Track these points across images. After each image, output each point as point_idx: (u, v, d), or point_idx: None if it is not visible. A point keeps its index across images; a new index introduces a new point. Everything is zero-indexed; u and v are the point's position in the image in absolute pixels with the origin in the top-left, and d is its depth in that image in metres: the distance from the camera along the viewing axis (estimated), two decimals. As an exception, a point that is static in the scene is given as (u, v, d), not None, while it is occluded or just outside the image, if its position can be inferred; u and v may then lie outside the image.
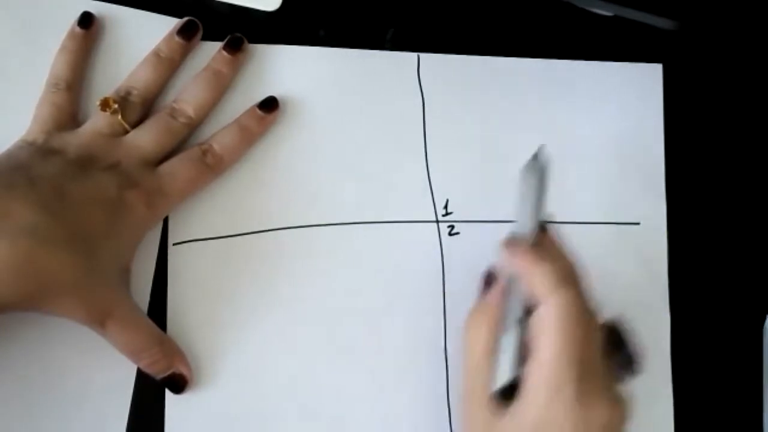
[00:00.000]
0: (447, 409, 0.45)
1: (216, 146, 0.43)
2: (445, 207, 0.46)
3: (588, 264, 0.47)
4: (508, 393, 0.36)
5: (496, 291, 0.38)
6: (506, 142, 0.48)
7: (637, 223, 0.48)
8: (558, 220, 0.47)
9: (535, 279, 0.36)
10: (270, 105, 0.45)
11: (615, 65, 0.49)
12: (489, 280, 0.40)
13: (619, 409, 0.36)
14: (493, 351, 0.37)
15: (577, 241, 0.47)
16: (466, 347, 0.38)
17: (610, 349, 0.37)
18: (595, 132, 0.48)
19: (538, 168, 0.38)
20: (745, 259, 0.49)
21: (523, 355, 0.36)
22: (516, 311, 0.37)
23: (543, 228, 0.38)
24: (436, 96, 0.47)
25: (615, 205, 0.48)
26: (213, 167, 0.43)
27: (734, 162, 0.49)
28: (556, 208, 0.47)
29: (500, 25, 0.49)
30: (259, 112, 0.45)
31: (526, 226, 0.38)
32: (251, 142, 0.45)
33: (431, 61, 0.48)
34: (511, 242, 0.38)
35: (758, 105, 0.50)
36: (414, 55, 0.48)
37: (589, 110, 0.49)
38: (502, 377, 0.36)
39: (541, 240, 0.38)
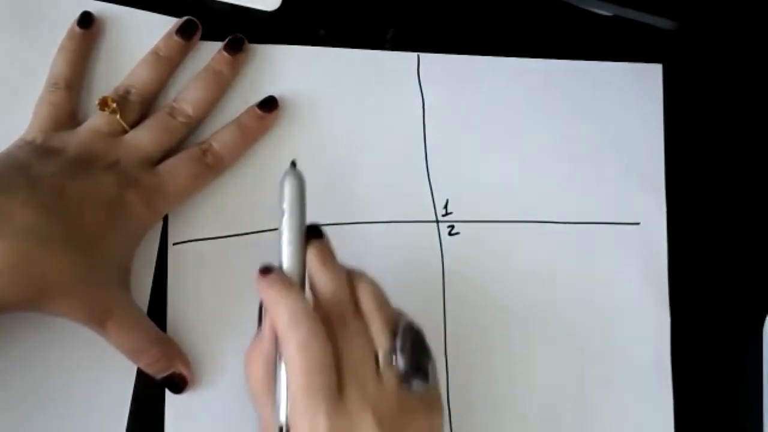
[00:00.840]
0: (447, 409, 0.45)
1: (216, 146, 0.43)
2: (445, 207, 0.46)
3: (588, 264, 0.47)
4: None
5: (266, 323, 0.36)
6: (506, 142, 0.48)
7: (637, 223, 0.48)
8: (558, 220, 0.47)
9: (275, 318, 0.35)
10: (270, 104, 0.45)
11: (615, 65, 0.49)
12: (261, 311, 0.38)
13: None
14: (269, 386, 0.35)
15: (577, 241, 0.47)
16: (247, 382, 0.37)
17: (391, 357, 0.35)
18: (595, 132, 0.48)
19: (296, 177, 0.37)
20: (745, 259, 0.49)
21: None
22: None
23: (315, 233, 0.37)
24: (436, 96, 0.47)
25: (615, 205, 0.48)
26: (213, 167, 0.43)
27: (734, 162, 0.49)
28: (556, 208, 0.47)
29: (500, 25, 0.49)
30: (258, 111, 0.45)
31: (290, 241, 0.37)
32: (251, 141, 0.45)
33: (431, 61, 0.48)
34: (264, 270, 0.36)
35: (758, 105, 0.50)
36: (414, 55, 0.48)
37: (588, 110, 0.49)
38: (281, 413, 0.35)
39: (319, 248, 0.37)
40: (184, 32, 0.45)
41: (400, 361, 0.35)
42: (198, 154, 0.43)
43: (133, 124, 0.43)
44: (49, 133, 0.42)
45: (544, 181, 0.47)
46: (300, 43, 0.47)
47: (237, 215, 0.45)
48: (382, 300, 0.37)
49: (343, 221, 0.45)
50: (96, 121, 0.42)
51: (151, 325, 0.41)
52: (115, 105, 0.42)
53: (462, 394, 0.45)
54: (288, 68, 0.46)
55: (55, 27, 0.44)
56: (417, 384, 0.35)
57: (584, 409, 0.46)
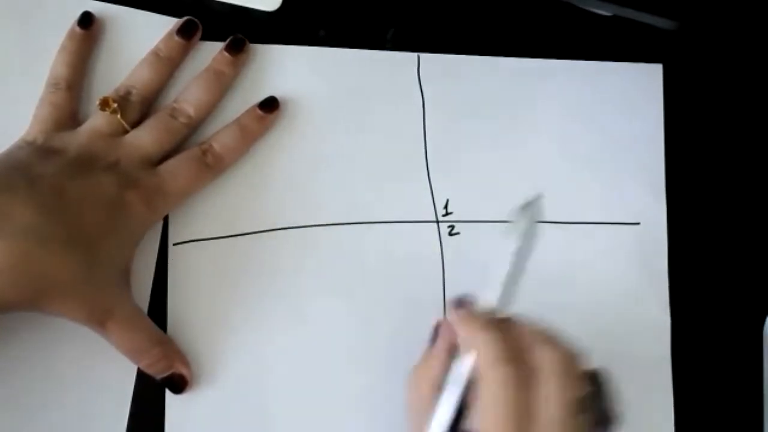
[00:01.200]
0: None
1: (216, 146, 0.43)
2: (445, 207, 0.46)
3: (588, 264, 0.47)
4: None
5: (440, 345, 0.37)
6: (506, 142, 0.48)
7: (637, 223, 0.48)
8: (558, 220, 0.47)
9: (477, 349, 0.34)
10: (270, 105, 0.45)
11: (615, 65, 0.49)
12: (437, 332, 0.38)
13: None
14: (432, 407, 0.35)
15: (577, 241, 0.47)
16: (409, 400, 0.37)
17: (586, 404, 0.35)
18: (595, 132, 0.48)
19: (530, 216, 0.36)
20: (745, 259, 0.49)
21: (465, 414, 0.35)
22: (459, 372, 0.35)
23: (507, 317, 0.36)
24: (436, 96, 0.47)
25: (615, 205, 0.48)
26: (213, 167, 0.43)
27: (734, 162, 0.49)
28: (556, 208, 0.47)
29: (500, 25, 0.49)
30: (259, 111, 0.45)
31: (495, 290, 0.36)
32: (251, 141, 0.45)
33: (431, 61, 0.48)
34: (461, 303, 0.36)
35: (758, 105, 0.50)
36: (414, 55, 0.48)
37: (588, 110, 0.49)
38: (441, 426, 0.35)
39: (504, 325, 0.36)
40: (185, 32, 0.45)
41: (595, 408, 0.35)
42: (198, 155, 0.43)
43: (134, 125, 0.43)
44: (49, 133, 0.42)
45: (544, 181, 0.47)
46: (300, 43, 0.47)
47: (237, 215, 0.45)
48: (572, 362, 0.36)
49: (343, 221, 0.45)
50: (96, 121, 0.42)
51: (152, 325, 0.41)
52: (115, 105, 0.42)
53: None
54: (288, 68, 0.46)
55: (55, 27, 0.44)
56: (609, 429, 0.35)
57: (584, 409, 0.46)
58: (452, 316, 0.36)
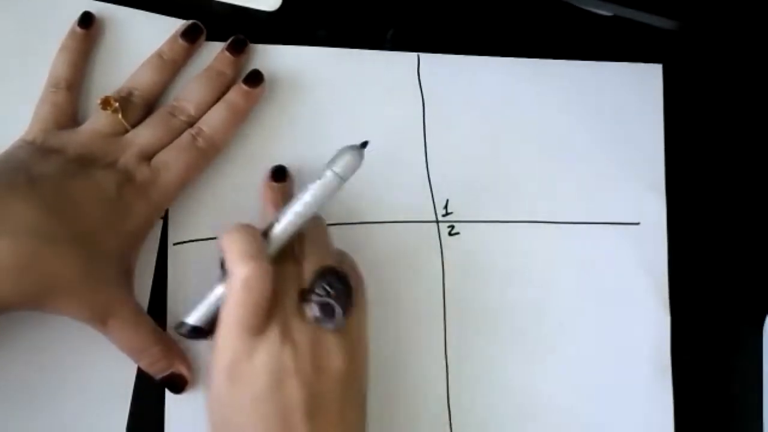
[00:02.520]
0: (447, 409, 0.45)
1: (205, 128, 0.43)
2: (445, 207, 0.46)
3: (588, 264, 0.47)
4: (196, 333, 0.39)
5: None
6: (506, 142, 0.48)
7: (637, 223, 0.48)
8: (558, 220, 0.47)
9: (226, 250, 0.37)
10: (255, 79, 0.45)
11: (615, 65, 0.49)
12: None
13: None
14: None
15: (577, 241, 0.47)
16: None
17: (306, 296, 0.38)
18: (595, 132, 0.48)
19: (357, 157, 0.38)
20: (745, 259, 0.49)
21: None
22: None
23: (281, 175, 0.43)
24: (436, 96, 0.47)
25: (615, 205, 0.48)
26: (205, 150, 0.43)
27: (734, 162, 0.49)
28: (556, 208, 0.47)
29: (500, 25, 0.49)
30: (244, 87, 0.44)
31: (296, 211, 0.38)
32: (240, 119, 0.44)
33: (431, 61, 0.48)
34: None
35: (758, 105, 0.50)
36: (414, 55, 0.48)
37: (589, 110, 0.49)
38: (191, 316, 0.39)
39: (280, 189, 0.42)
40: (189, 36, 0.45)
41: (315, 298, 0.37)
42: (189, 140, 0.43)
43: (135, 125, 0.43)
44: (49, 133, 0.42)
45: (544, 181, 0.47)
46: (300, 43, 0.47)
47: (237, 215, 0.45)
48: (321, 241, 0.40)
49: (343, 221, 0.45)
50: (97, 120, 0.42)
51: (153, 325, 0.41)
52: (117, 104, 0.42)
53: (462, 393, 0.45)
54: (288, 68, 0.46)
55: (55, 27, 0.44)
56: (328, 326, 0.37)
57: (584, 408, 0.46)
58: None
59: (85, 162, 0.41)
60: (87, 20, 0.44)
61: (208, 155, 0.43)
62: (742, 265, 0.49)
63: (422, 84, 0.47)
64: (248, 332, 0.36)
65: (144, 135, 0.42)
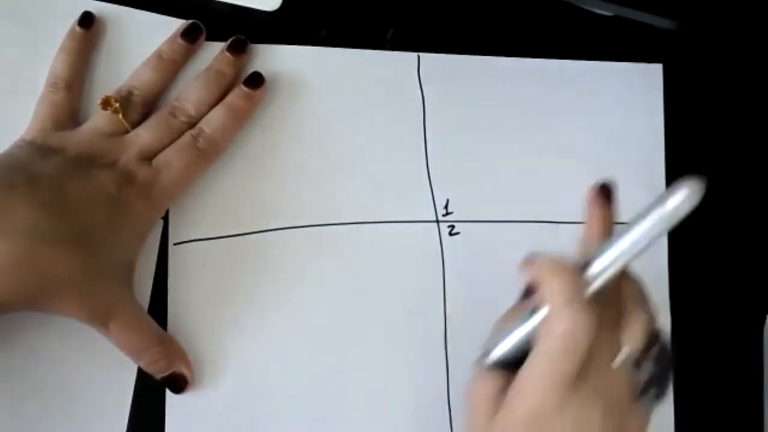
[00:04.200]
0: (447, 409, 0.45)
1: (206, 128, 0.43)
2: (445, 207, 0.46)
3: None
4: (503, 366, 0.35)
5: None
6: (506, 142, 0.48)
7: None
8: (558, 220, 0.47)
9: (548, 293, 0.34)
10: (256, 81, 0.45)
11: (615, 65, 0.49)
12: (528, 291, 0.37)
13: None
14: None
15: (577, 242, 0.47)
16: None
17: (639, 362, 0.35)
18: (595, 132, 0.48)
19: (693, 195, 0.33)
20: (745, 259, 0.49)
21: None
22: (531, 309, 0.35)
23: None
24: (436, 96, 0.47)
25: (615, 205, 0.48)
26: (206, 151, 0.43)
27: (734, 162, 0.49)
28: (556, 208, 0.47)
29: (500, 25, 0.49)
30: (245, 89, 0.44)
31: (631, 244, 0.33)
32: (241, 120, 0.44)
33: (431, 61, 0.48)
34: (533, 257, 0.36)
35: (758, 105, 0.50)
36: (414, 55, 0.48)
37: (588, 110, 0.49)
38: (501, 350, 0.35)
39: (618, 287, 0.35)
40: (189, 35, 0.45)
41: (647, 368, 0.35)
42: (190, 141, 0.43)
43: (135, 125, 0.43)
44: (48, 132, 0.42)
45: (544, 181, 0.47)
46: (300, 43, 0.47)
47: (237, 215, 0.45)
48: (644, 293, 0.36)
49: (343, 221, 0.45)
50: (97, 120, 0.42)
51: (153, 325, 0.41)
52: (117, 104, 0.42)
53: (461, 394, 0.45)
54: (288, 68, 0.46)
55: (55, 27, 0.44)
56: (650, 397, 0.35)
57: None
58: (527, 261, 0.35)
59: (85, 162, 0.41)
60: (87, 20, 0.44)
61: (209, 156, 0.43)
62: (742, 265, 0.49)
63: (422, 84, 0.47)
64: (563, 384, 0.33)
65: (144, 135, 0.42)
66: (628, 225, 0.34)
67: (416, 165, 0.47)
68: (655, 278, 0.47)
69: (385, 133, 0.47)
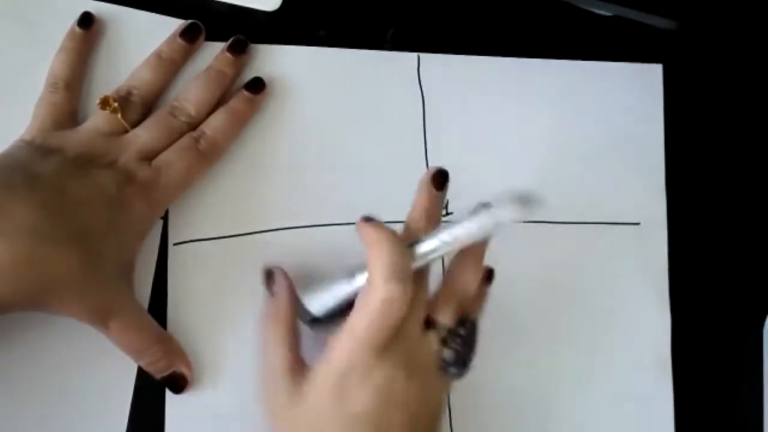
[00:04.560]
0: (447, 409, 0.45)
1: (207, 131, 0.43)
2: (445, 207, 0.46)
3: (588, 264, 0.47)
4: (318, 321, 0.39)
5: (281, 288, 0.41)
6: (506, 142, 0.48)
7: (637, 223, 0.48)
8: (558, 220, 0.47)
9: (375, 259, 0.36)
10: (257, 85, 0.45)
11: (615, 65, 0.49)
12: (269, 277, 0.42)
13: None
14: (290, 343, 0.39)
15: (577, 241, 0.47)
16: (261, 340, 0.40)
17: (446, 340, 0.38)
18: (595, 132, 0.48)
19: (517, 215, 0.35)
20: (745, 259, 0.49)
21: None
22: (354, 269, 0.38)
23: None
24: (436, 96, 0.47)
25: (615, 205, 0.48)
26: (207, 153, 0.43)
27: (734, 162, 0.49)
28: (556, 208, 0.47)
29: (500, 25, 0.49)
30: (247, 93, 0.45)
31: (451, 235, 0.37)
32: (242, 124, 0.45)
33: (431, 61, 0.48)
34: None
35: (758, 105, 0.50)
36: (414, 55, 0.48)
37: (589, 110, 0.49)
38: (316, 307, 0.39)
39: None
40: (188, 35, 0.45)
41: (453, 345, 0.37)
42: (191, 143, 0.43)
43: (134, 125, 0.43)
44: (48, 132, 0.42)
45: (544, 181, 0.47)
46: (300, 43, 0.47)
47: (237, 215, 0.45)
48: (468, 283, 0.39)
49: (343, 221, 0.45)
50: (96, 120, 0.42)
51: (154, 324, 0.41)
52: (116, 104, 0.42)
53: (462, 394, 0.44)
54: (288, 68, 0.46)
55: (55, 27, 0.44)
56: (453, 372, 0.37)
57: (585, 408, 0.46)
58: (362, 223, 0.38)
59: (85, 162, 0.41)
60: (87, 20, 0.44)
61: (210, 158, 0.43)
62: (742, 265, 0.49)
63: (422, 84, 0.47)
64: (372, 351, 0.36)
65: (144, 135, 0.42)
66: (457, 219, 0.37)
67: (416, 165, 0.47)
68: (655, 278, 0.47)
69: (385, 133, 0.47)
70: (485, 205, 0.36)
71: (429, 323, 0.38)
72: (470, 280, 0.39)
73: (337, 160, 0.46)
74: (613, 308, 0.47)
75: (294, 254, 0.45)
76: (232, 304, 0.44)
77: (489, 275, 0.42)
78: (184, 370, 0.42)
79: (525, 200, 0.34)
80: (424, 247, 0.37)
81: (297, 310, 0.40)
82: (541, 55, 0.49)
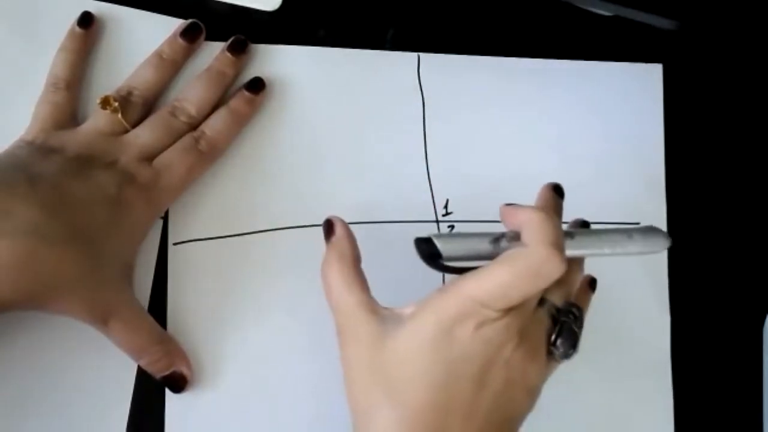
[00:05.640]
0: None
1: (208, 131, 0.43)
2: (445, 207, 0.46)
3: (588, 264, 0.47)
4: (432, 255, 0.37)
5: (342, 231, 0.39)
6: (506, 142, 0.48)
7: (637, 223, 0.48)
8: (558, 220, 0.47)
9: (538, 227, 0.35)
10: (257, 85, 0.45)
11: (615, 65, 0.49)
12: (329, 227, 0.40)
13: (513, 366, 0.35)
14: (361, 284, 0.38)
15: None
16: (328, 285, 0.39)
17: (555, 320, 0.37)
18: (595, 132, 0.48)
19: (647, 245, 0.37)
20: (745, 259, 0.49)
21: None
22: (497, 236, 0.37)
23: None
24: (436, 96, 0.47)
25: (615, 205, 0.48)
26: (207, 153, 0.43)
27: (734, 162, 0.49)
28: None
29: (500, 25, 0.49)
30: (247, 94, 0.45)
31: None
32: (242, 124, 0.45)
33: (431, 61, 0.48)
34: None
35: (758, 105, 0.50)
36: (414, 55, 0.48)
37: (589, 110, 0.49)
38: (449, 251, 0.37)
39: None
40: (189, 35, 0.45)
41: (565, 323, 0.37)
42: (191, 143, 0.43)
43: (135, 124, 0.43)
44: (49, 132, 0.42)
45: (544, 181, 0.47)
46: (300, 43, 0.47)
47: (237, 215, 0.45)
48: (578, 276, 0.39)
49: (343, 221, 0.45)
50: (97, 120, 0.42)
51: (153, 324, 0.41)
52: (116, 104, 0.42)
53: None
54: (288, 68, 0.46)
55: (55, 27, 0.44)
56: (560, 352, 0.37)
57: (584, 408, 0.46)
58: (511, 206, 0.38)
59: (85, 161, 0.41)
60: (87, 20, 0.44)
61: (210, 158, 0.43)
62: (742, 265, 0.49)
63: (422, 84, 0.47)
64: (498, 307, 0.35)
65: (144, 135, 0.42)
66: (612, 231, 0.37)
67: (416, 165, 0.47)
68: (655, 278, 0.47)
69: (385, 133, 0.47)
70: (647, 230, 0.37)
71: (541, 301, 0.37)
72: (575, 277, 0.39)
73: (337, 160, 0.46)
74: (612, 308, 0.47)
75: (295, 254, 0.45)
76: (232, 304, 0.44)
77: (592, 283, 0.42)
78: (184, 369, 0.42)
79: (665, 237, 0.38)
80: (578, 242, 0.37)
81: (417, 243, 0.38)
82: (541, 55, 0.49)
